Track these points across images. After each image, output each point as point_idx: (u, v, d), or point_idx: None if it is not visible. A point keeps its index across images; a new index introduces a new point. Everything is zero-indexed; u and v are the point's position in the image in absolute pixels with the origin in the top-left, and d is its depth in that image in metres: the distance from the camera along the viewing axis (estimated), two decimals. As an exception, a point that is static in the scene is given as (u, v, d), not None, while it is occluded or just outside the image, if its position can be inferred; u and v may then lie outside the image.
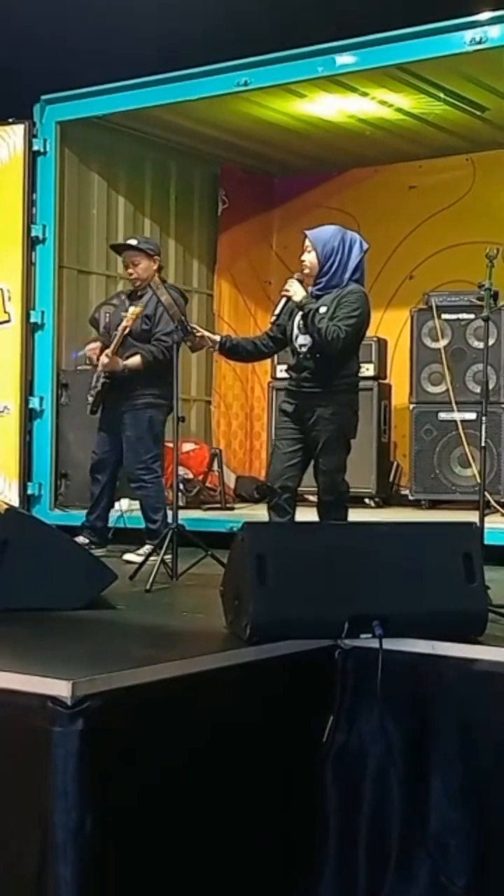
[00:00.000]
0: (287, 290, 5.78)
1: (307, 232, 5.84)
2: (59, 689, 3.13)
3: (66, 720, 3.09)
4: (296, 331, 5.80)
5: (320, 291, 5.74)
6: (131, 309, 6.61)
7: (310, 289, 5.77)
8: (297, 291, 5.72)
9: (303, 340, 5.75)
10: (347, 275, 5.76)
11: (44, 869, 3.11)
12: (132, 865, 3.25)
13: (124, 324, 6.58)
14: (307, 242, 5.78)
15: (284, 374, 8.73)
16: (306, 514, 5.94)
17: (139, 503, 6.75)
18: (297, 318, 5.78)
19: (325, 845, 3.79)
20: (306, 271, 5.79)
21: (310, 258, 5.76)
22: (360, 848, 3.77)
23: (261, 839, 3.62)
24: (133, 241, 6.90)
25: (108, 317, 6.90)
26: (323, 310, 5.66)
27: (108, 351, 6.64)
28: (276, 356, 8.95)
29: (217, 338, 6.09)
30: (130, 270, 6.81)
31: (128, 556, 6.47)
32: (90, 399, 6.78)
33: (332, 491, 5.80)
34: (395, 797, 3.75)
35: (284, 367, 8.82)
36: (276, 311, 5.91)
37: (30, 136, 8.19)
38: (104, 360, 6.63)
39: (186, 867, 3.38)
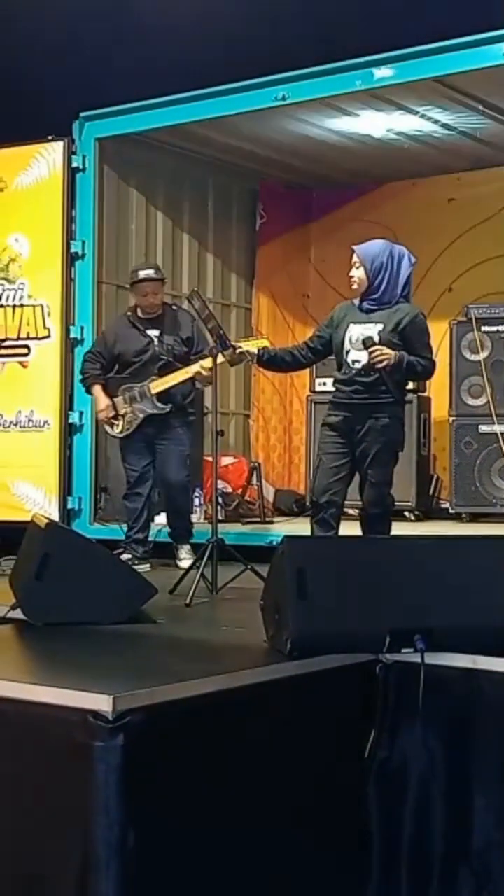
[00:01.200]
0: (374, 359, 5.58)
1: (355, 247, 5.76)
2: (101, 703, 3.13)
3: (108, 735, 3.09)
4: (348, 345, 5.72)
5: (372, 307, 5.70)
6: (200, 363, 6.59)
7: (359, 303, 5.74)
8: (383, 356, 5.55)
9: (356, 356, 5.66)
10: (399, 290, 5.71)
11: (84, 885, 3.11)
12: (174, 881, 3.24)
13: (203, 374, 6.55)
14: (355, 258, 5.73)
15: (323, 388, 8.86)
16: (346, 528, 5.92)
17: (175, 513, 6.84)
18: (351, 332, 5.71)
19: (369, 861, 3.77)
20: (354, 286, 5.75)
21: (359, 274, 5.71)
22: (402, 864, 3.74)
23: (304, 855, 3.61)
24: (153, 273, 6.97)
25: (129, 346, 6.93)
26: (379, 328, 5.61)
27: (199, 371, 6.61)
28: (315, 368, 9.02)
29: (255, 350, 6.08)
30: (152, 300, 6.88)
31: (183, 564, 6.55)
32: (127, 430, 6.85)
33: (380, 504, 5.76)
34: (437, 813, 3.72)
35: (323, 380, 8.92)
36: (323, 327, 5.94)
37: (69, 152, 8.25)
38: (206, 372, 6.52)
39: (229, 884, 3.37)
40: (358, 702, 3.81)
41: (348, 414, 5.71)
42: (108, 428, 7.05)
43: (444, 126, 8.29)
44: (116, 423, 6.89)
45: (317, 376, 9.09)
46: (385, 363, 5.53)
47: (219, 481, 6.59)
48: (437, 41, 7.01)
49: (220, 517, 6.40)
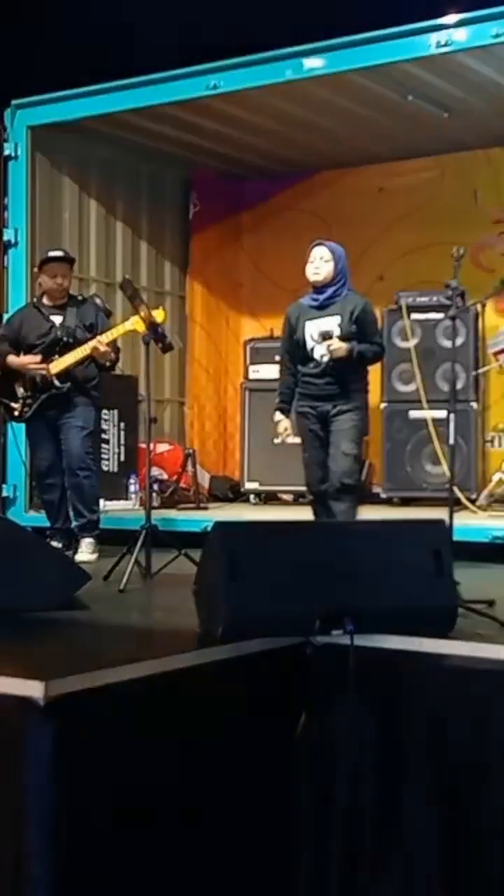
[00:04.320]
0: (332, 353, 6.01)
1: (326, 244, 6.13)
2: (33, 689, 3.13)
3: (40, 720, 3.10)
4: (310, 342, 6.08)
5: (328, 301, 6.09)
6: (104, 335, 6.68)
7: (315, 297, 6.13)
8: (338, 348, 6.00)
9: (323, 351, 6.03)
10: (347, 282, 6.16)
11: (19, 869, 3.12)
12: (107, 867, 3.26)
13: (100, 349, 6.62)
14: (324, 252, 6.08)
15: (256, 375, 8.94)
16: (287, 513, 5.98)
17: (78, 495, 6.82)
18: (310, 329, 6.08)
19: (299, 844, 3.80)
20: (319, 278, 6.08)
21: (327, 268, 6.07)
22: (333, 846, 3.77)
23: (235, 838, 3.64)
24: (63, 253, 7.01)
25: (32, 330, 6.91)
26: (337, 319, 6.04)
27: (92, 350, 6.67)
28: (249, 356, 9.11)
29: (285, 421, 6.25)
30: (60, 281, 6.90)
31: (85, 558, 6.54)
32: (27, 412, 6.86)
33: (353, 475, 6.12)
34: (367, 795, 3.76)
35: (257, 367, 8.98)
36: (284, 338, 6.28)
37: (1, 140, 8.20)
38: (103, 348, 6.64)
39: (161, 868, 3.39)
40: (289, 684, 3.85)
41: (320, 404, 6.09)
42: (8, 414, 7.04)
43: (374, 113, 8.33)
44: (16, 405, 6.88)
45: (251, 363, 9.15)
46: (340, 355, 5.99)
47: (154, 468, 6.60)
48: (367, 31, 7.06)
49: (155, 503, 6.42)
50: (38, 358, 6.79)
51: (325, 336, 5.99)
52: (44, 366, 6.76)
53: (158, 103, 7.94)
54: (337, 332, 6.03)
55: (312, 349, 6.08)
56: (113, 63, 8.16)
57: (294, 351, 6.19)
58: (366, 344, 6.10)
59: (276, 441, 6.53)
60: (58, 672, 3.26)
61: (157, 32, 8.59)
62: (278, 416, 6.25)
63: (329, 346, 5.98)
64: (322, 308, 6.10)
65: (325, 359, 6.03)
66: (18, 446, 7.88)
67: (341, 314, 6.06)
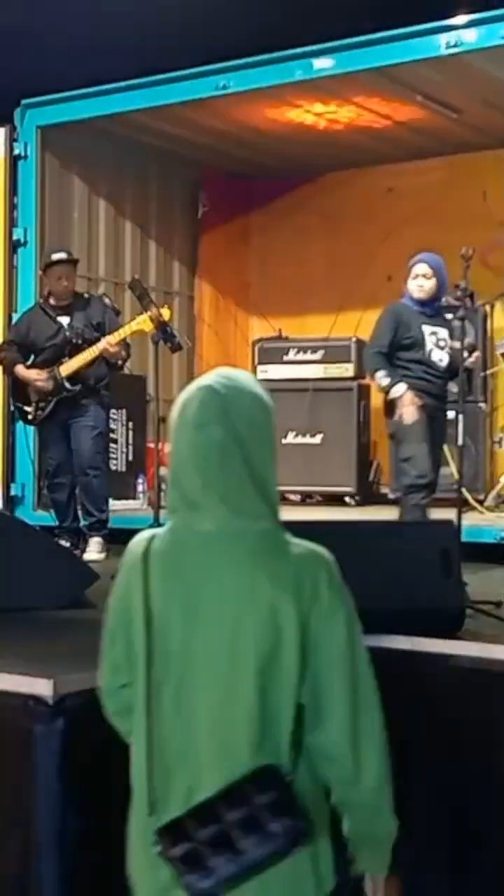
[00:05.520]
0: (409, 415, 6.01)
1: (426, 260, 6.19)
2: (41, 687, 3.15)
3: (48, 719, 3.11)
4: (430, 345, 6.13)
5: (434, 312, 6.22)
6: (113, 335, 6.64)
7: (420, 305, 6.17)
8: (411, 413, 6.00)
9: (440, 355, 6.15)
10: (446, 292, 6.30)
11: (27, 868, 3.12)
12: (116, 866, 3.26)
13: (111, 350, 6.60)
14: (426, 269, 6.17)
15: (265, 375, 8.93)
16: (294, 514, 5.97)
17: (88, 495, 6.83)
18: (427, 332, 6.12)
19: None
20: (424, 296, 6.16)
21: (430, 285, 6.16)
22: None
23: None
24: (65, 255, 6.98)
25: (41, 333, 6.92)
26: (445, 333, 6.18)
27: (104, 349, 6.65)
28: (257, 356, 9.11)
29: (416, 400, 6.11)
30: (65, 283, 6.89)
31: (93, 557, 6.55)
32: (40, 415, 6.88)
33: None
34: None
35: (265, 367, 8.97)
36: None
37: (10, 140, 8.22)
38: (113, 349, 6.62)
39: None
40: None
41: (433, 404, 6.14)
42: (22, 418, 7.08)
43: (382, 115, 8.34)
44: (29, 408, 6.90)
45: (259, 364, 9.15)
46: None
47: (162, 468, 6.60)
48: (378, 31, 7.07)
49: (163, 503, 6.41)
50: (44, 375, 6.77)
51: (472, 348, 6.16)
52: (49, 383, 6.76)
53: (168, 103, 7.94)
54: (450, 343, 6.17)
55: (431, 352, 6.14)
56: (122, 63, 8.17)
57: (395, 346, 6.13)
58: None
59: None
60: (66, 670, 3.28)
61: (166, 32, 8.58)
62: (402, 387, 6.03)
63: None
64: (431, 317, 6.20)
65: (443, 364, 6.14)
66: (29, 445, 7.91)
67: (448, 328, 6.23)
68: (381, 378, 6.04)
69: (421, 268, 6.19)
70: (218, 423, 2.26)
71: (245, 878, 2.13)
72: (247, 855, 2.11)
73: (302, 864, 2.19)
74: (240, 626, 2.20)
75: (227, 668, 2.20)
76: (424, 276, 6.17)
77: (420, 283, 6.18)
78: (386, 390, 6.04)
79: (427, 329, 6.16)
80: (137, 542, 2.36)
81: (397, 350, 6.10)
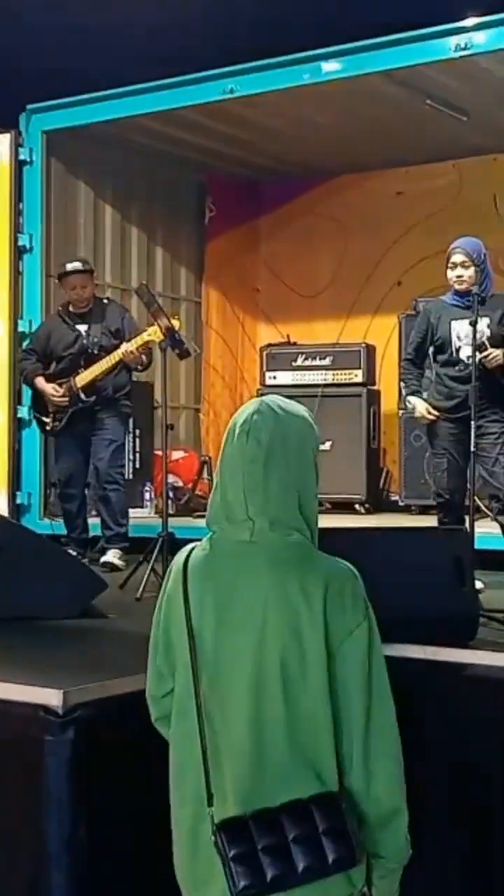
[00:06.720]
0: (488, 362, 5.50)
1: (463, 248, 5.61)
2: (51, 698, 3.13)
3: (58, 729, 3.10)
4: (456, 343, 5.65)
5: (471, 303, 5.47)
6: (130, 343, 6.55)
7: (456, 297, 5.64)
8: (495, 356, 5.49)
9: (469, 353, 5.54)
10: (491, 280, 5.68)
11: (37, 877, 3.12)
12: (125, 875, 3.24)
13: (130, 354, 6.52)
14: (461, 257, 5.59)
15: (273, 382, 8.87)
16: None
17: (105, 508, 6.80)
18: (456, 329, 5.63)
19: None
20: (463, 287, 5.59)
21: (468, 274, 5.57)
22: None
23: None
24: (80, 265, 6.96)
25: (59, 342, 6.91)
26: (485, 321, 5.52)
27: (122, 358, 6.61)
28: (266, 362, 9.07)
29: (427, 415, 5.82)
30: (80, 292, 6.88)
31: (112, 560, 6.56)
32: (57, 425, 6.85)
33: None
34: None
35: (274, 374, 8.93)
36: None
37: (16, 145, 8.18)
38: (132, 356, 6.53)
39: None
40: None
41: (464, 411, 5.56)
42: (40, 428, 7.07)
43: (391, 117, 8.30)
44: (47, 419, 6.89)
45: (267, 370, 9.11)
46: (498, 363, 5.49)
47: (169, 475, 6.57)
48: (385, 35, 7.03)
49: (170, 511, 6.38)
50: (60, 390, 6.77)
51: (480, 347, 5.45)
52: (65, 399, 6.75)
53: (174, 107, 7.91)
54: (487, 333, 5.53)
55: (458, 349, 5.66)
56: (128, 67, 8.15)
57: (425, 350, 5.79)
58: None
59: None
60: (76, 681, 3.26)
61: (172, 36, 8.57)
62: (414, 400, 5.78)
63: (485, 356, 5.43)
64: (468, 308, 5.50)
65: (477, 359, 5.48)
66: (37, 454, 7.88)
67: (490, 316, 5.59)
68: (403, 389, 5.83)
69: (457, 256, 5.60)
70: (268, 436, 2.39)
71: (286, 889, 2.27)
72: (299, 871, 2.25)
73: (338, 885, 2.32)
74: (266, 633, 2.33)
75: (255, 673, 2.33)
76: (462, 264, 5.58)
77: (458, 272, 5.58)
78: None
79: (456, 325, 5.63)
80: (181, 553, 2.52)
81: (436, 352, 5.74)
